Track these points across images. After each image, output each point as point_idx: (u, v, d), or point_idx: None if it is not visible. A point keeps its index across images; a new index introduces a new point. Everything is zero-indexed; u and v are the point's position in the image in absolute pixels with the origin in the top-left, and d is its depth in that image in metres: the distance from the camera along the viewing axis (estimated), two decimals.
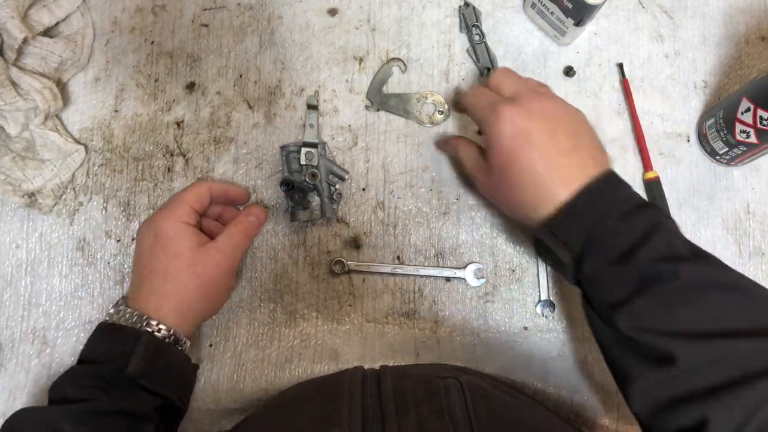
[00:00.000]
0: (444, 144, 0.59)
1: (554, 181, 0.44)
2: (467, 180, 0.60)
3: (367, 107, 0.60)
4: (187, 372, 0.51)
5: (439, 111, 0.60)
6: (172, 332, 0.48)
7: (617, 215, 0.43)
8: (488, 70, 0.61)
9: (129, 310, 0.48)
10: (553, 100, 0.48)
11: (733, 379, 0.37)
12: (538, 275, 0.59)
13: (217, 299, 0.53)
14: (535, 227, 0.47)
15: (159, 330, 0.47)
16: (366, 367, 0.53)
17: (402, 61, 0.61)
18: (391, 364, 0.56)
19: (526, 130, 0.45)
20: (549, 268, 0.59)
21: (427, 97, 0.60)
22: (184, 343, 0.50)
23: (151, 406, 0.45)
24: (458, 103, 0.61)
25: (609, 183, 0.45)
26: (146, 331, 0.46)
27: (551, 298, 0.58)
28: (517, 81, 0.50)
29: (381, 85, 0.61)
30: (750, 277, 0.42)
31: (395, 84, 0.62)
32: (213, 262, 0.50)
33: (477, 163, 0.51)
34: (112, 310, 0.50)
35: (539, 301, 0.58)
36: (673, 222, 0.44)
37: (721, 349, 0.38)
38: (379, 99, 0.60)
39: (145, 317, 0.47)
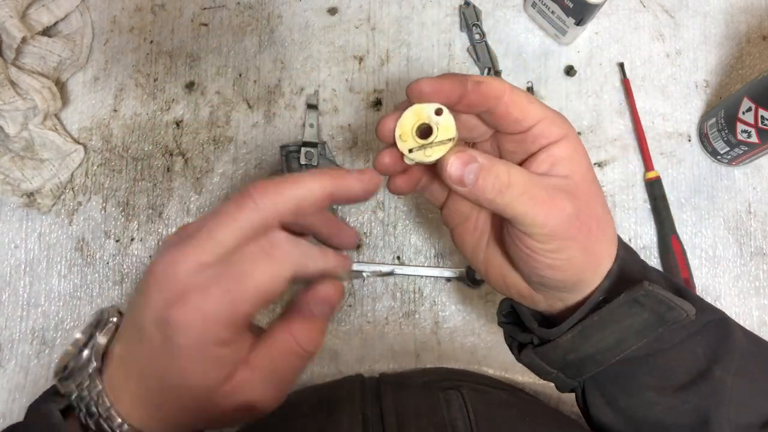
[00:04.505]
0: (451, 163, 0.28)
1: (614, 240, 0.33)
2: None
3: None
4: None
5: None
6: None
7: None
8: (489, 69, 0.61)
9: (93, 382, 0.27)
10: None
11: None
12: None
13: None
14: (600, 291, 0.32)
15: None
16: (365, 368, 0.53)
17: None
18: (390, 367, 0.56)
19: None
20: None
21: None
22: None
23: None
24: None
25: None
26: None
27: None
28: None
29: None
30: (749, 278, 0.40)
31: (399, 81, 0.62)
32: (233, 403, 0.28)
33: (541, 184, 0.29)
34: (84, 353, 0.27)
35: None
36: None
37: None
38: None
39: (108, 407, 0.27)
